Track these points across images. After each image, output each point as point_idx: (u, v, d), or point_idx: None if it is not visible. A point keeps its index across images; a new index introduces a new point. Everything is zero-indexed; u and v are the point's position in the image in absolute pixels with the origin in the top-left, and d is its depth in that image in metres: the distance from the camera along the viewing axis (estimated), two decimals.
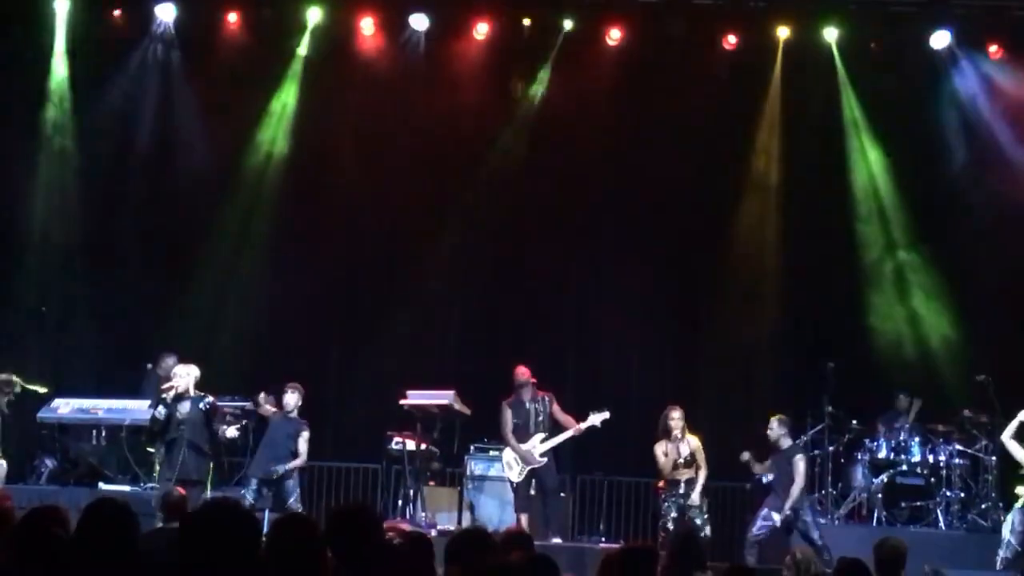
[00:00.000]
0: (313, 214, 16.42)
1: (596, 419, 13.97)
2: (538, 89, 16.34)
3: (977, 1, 15.45)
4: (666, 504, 13.18)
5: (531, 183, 16.27)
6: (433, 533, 12.14)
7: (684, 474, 13.12)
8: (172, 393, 13.17)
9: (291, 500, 13.60)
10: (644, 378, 15.98)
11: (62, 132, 16.12)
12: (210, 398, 13.30)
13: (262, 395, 14.13)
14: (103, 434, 14.41)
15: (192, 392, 13.21)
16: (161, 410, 13.19)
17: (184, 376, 13.26)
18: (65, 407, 14.51)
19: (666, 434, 13.26)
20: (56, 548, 5.14)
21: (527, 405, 14.08)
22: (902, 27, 15.63)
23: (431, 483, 14.79)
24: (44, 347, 15.75)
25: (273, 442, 13.79)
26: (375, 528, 5.52)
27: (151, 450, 13.93)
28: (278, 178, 16.41)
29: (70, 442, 14.46)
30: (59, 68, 16.06)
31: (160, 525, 8.87)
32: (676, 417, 13.22)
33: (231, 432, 13.80)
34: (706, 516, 13.17)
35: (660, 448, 13.24)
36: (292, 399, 13.79)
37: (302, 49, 16.23)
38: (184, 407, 13.14)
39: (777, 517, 13.07)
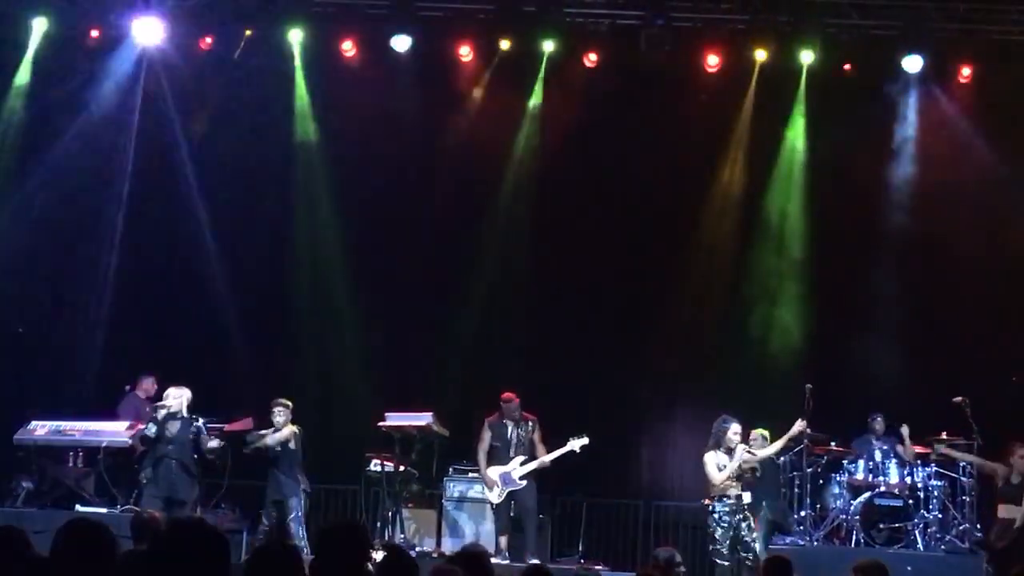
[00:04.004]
0: (293, 234, 16.45)
1: (575, 444, 14.03)
2: (533, 107, 16.39)
3: (953, 24, 15.51)
4: (718, 517, 12.32)
5: (510, 204, 16.35)
6: (412, 555, 12.09)
7: (734, 488, 12.46)
8: (163, 412, 13.21)
9: (291, 517, 13.62)
10: (621, 400, 15.97)
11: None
12: (201, 421, 13.34)
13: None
14: (80, 456, 14.34)
15: (184, 413, 13.26)
16: (151, 427, 13.24)
17: (176, 398, 13.36)
18: (42, 429, 14.42)
19: (718, 445, 12.52)
20: (22, 568, 5.10)
21: (510, 429, 14.12)
22: (877, 50, 15.73)
23: (410, 505, 14.76)
24: (22, 368, 15.67)
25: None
26: (364, 547, 5.52)
27: (137, 467, 13.84)
28: (253, 198, 16.44)
29: (47, 464, 14.38)
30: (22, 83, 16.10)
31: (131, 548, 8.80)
32: (738, 431, 12.60)
33: (213, 443, 13.64)
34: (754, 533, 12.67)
35: (713, 459, 12.46)
36: (283, 416, 13.90)
37: (296, 69, 16.30)
38: (174, 427, 13.19)
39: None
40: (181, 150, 16.37)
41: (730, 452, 12.42)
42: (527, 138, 16.43)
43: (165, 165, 16.38)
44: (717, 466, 12.39)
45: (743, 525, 12.30)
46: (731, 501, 12.34)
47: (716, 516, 12.30)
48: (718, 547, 12.15)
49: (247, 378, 15.64)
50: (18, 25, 16.03)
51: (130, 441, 13.95)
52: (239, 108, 16.09)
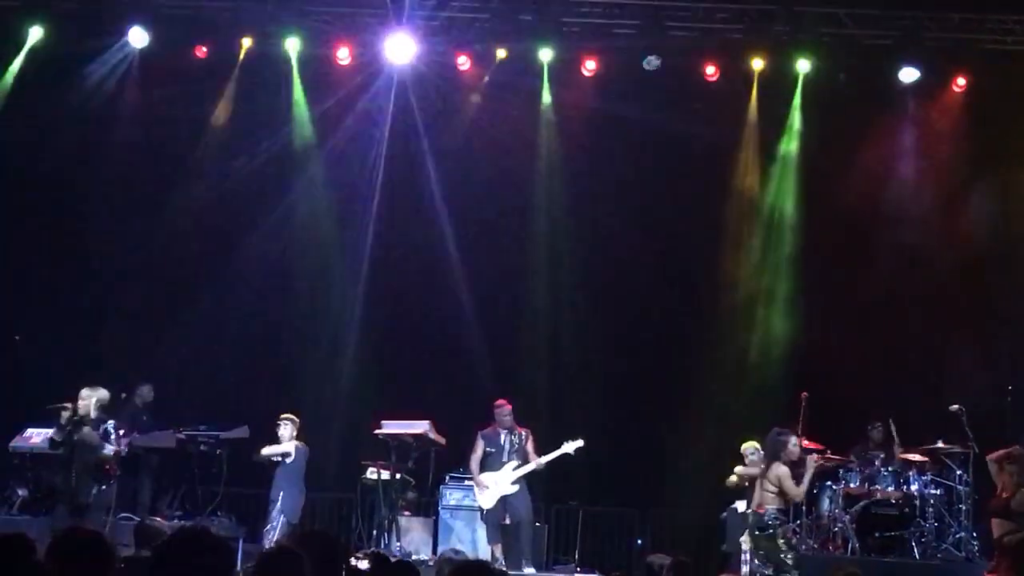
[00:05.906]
0: (288, 244, 16.46)
1: (570, 447, 14.04)
2: (545, 109, 16.40)
3: (948, 34, 15.55)
4: (780, 528, 12.13)
5: (505, 212, 16.36)
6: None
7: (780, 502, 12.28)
8: (67, 415, 13.06)
9: (269, 525, 13.77)
10: (617, 409, 15.96)
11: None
12: (111, 422, 13.16)
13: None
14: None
15: (93, 415, 13.07)
16: (56, 433, 13.12)
17: (85, 399, 13.12)
18: (37, 437, 14.41)
19: (776, 458, 12.24)
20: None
21: (503, 437, 14.12)
22: (872, 60, 15.77)
23: (406, 513, 14.76)
24: (16, 375, 15.64)
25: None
26: (340, 554, 5.51)
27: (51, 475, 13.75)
28: (259, 205, 16.44)
29: (41, 471, 14.35)
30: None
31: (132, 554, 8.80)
32: (796, 442, 12.38)
33: (108, 450, 13.17)
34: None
35: (786, 471, 12.10)
36: (287, 431, 14.09)
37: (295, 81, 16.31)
38: (81, 430, 13.04)
39: None
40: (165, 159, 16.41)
41: (790, 464, 12.15)
42: (536, 143, 16.40)
43: (169, 175, 16.38)
44: (792, 478, 12.10)
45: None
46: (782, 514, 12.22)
47: (785, 528, 12.12)
48: (786, 557, 11.91)
49: (244, 386, 15.61)
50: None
51: (120, 448, 13.72)
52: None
